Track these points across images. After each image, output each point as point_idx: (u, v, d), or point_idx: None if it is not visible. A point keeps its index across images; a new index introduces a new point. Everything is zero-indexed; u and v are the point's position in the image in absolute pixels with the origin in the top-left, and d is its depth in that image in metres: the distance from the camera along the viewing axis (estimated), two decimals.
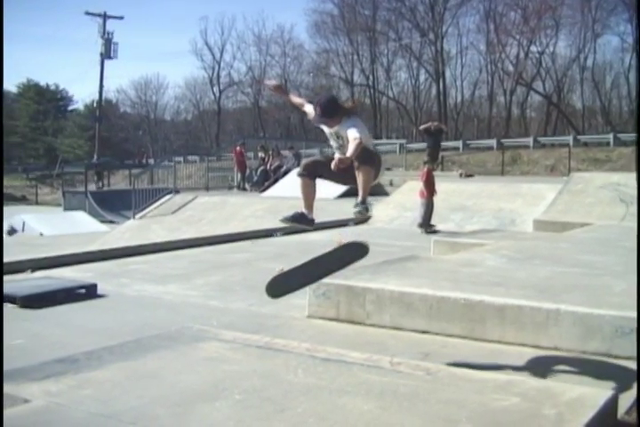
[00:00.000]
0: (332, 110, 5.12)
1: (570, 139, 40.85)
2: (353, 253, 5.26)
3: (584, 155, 35.50)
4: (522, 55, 57.92)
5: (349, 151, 4.87)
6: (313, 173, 5.24)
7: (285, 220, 5.23)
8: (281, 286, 5.18)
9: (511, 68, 59.09)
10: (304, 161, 5.38)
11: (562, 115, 57.86)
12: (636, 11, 38.61)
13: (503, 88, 61.29)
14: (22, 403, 3.97)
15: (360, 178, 5.09)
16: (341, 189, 19.00)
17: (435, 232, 13.67)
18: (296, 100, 5.75)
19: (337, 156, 4.98)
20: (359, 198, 5.19)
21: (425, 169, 14.89)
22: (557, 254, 8.54)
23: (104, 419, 3.70)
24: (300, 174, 5.27)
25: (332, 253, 5.27)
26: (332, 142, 5.33)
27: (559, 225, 12.91)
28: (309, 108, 5.42)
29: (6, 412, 3.91)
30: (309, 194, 5.31)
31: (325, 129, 5.32)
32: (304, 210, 5.29)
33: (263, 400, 3.97)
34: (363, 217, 5.37)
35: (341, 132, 5.15)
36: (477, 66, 63.08)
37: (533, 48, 57.46)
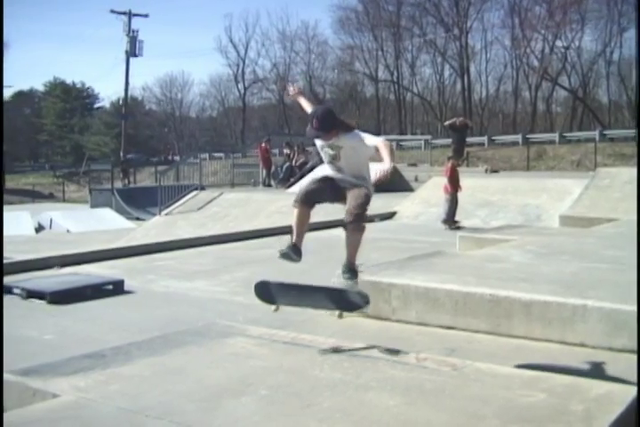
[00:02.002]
0: (330, 124, 4.91)
1: (596, 134, 40.49)
2: (352, 301, 4.96)
3: (610, 150, 35.17)
4: (547, 50, 57.61)
5: (388, 160, 4.73)
6: (311, 201, 5.00)
7: (284, 255, 4.98)
8: (266, 293, 5.10)
9: (536, 63, 58.76)
10: (300, 190, 5.05)
11: (588, 109, 57.40)
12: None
13: (528, 83, 60.95)
14: (51, 398, 4.02)
15: (349, 240, 4.98)
16: None
17: (459, 228, 13.61)
18: (305, 106, 5.44)
19: (382, 167, 4.81)
20: (346, 263, 5.04)
21: (449, 165, 14.81)
22: (584, 250, 8.48)
23: (132, 414, 3.73)
24: (298, 203, 4.97)
25: (332, 293, 5.06)
26: (324, 155, 5.13)
27: (585, 220, 12.81)
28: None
29: (36, 406, 3.96)
30: (305, 223, 5.05)
31: (319, 142, 5.14)
32: (295, 241, 5.02)
33: (289, 396, 3.98)
34: (353, 288, 5.03)
35: (342, 144, 4.95)
36: (502, 61, 62.87)
37: (559, 43, 57.18)
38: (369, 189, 5.00)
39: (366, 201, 4.89)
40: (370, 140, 4.89)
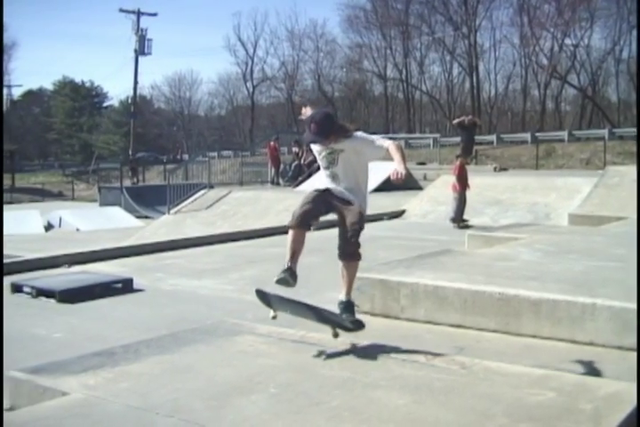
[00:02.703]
0: (328, 128, 4.80)
1: (605, 132, 40.42)
2: (345, 326, 4.90)
3: (620, 148, 35.09)
4: (556, 48, 57.41)
5: (400, 162, 4.66)
6: (306, 223, 4.85)
7: (280, 281, 4.77)
8: (265, 300, 5.04)
9: (545, 62, 58.58)
10: (295, 212, 4.84)
11: (597, 108, 57.23)
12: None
13: (537, 81, 60.81)
14: (61, 396, 4.03)
15: (345, 274, 4.93)
16: (375, 183, 18.99)
17: (467, 227, 13.57)
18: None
19: (395, 169, 4.63)
20: (344, 297, 4.96)
21: (458, 163, 14.78)
22: (593, 248, 8.46)
23: (141, 412, 3.74)
24: (293, 226, 4.82)
25: (326, 315, 4.97)
26: (321, 161, 5.03)
27: (594, 219, 12.77)
28: None
29: (46, 405, 3.97)
30: (300, 246, 4.86)
31: (316, 147, 5.05)
32: (291, 264, 4.82)
33: (298, 394, 3.99)
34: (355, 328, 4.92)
35: (343, 147, 4.85)
36: (511, 59, 62.73)
37: (568, 41, 56.99)
38: (363, 206, 4.93)
39: (362, 226, 4.86)
40: (381, 141, 4.84)
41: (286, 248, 4.86)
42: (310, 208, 4.84)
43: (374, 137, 4.93)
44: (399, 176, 4.59)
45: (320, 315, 4.96)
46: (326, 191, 4.94)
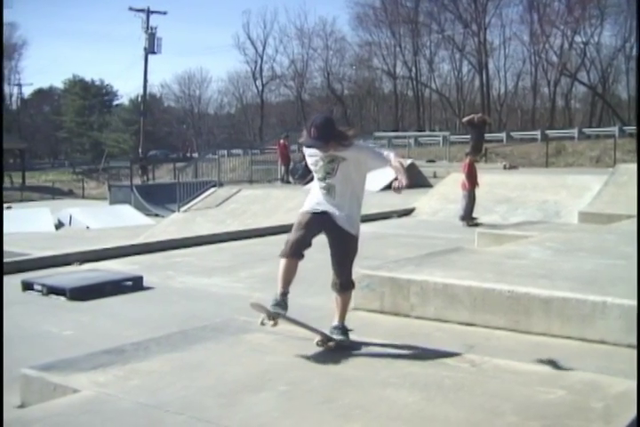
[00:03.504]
0: (329, 134, 4.63)
1: (615, 130, 40.18)
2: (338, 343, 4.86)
3: (630, 146, 34.86)
4: (566, 45, 57.34)
5: (404, 172, 4.58)
6: (300, 253, 4.65)
7: (274, 315, 4.63)
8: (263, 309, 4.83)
9: (555, 59, 58.45)
10: (289, 241, 4.67)
11: (607, 105, 57.05)
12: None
13: (547, 79, 60.64)
14: (71, 393, 4.05)
15: (340, 302, 4.88)
16: (384, 181, 18.97)
17: (476, 225, 13.53)
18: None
19: (399, 178, 4.52)
20: (338, 324, 4.89)
21: (467, 161, 14.74)
22: (603, 247, 8.44)
23: (151, 409, 3.76)
24: (286, 256, 4.66)
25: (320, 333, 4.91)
26: (317, 171, 4.82)
27: (605, 217, 12.73)
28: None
29: (57, 402, 3.99)
30: (293, 275, 4.70)
31: (313, 156, 4.85)
32: (282, 297, 4.68)
33: (308, 392, 4.00)
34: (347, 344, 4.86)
35: (345, 155, 4.69)
36: (521, 57, 62.59)
37: (578, 38, 56.86)
38: (358, 231, 4.83)
39: (356, 254, 4.81)
40: (386, 153, 4.76)
41: (278, 277, 4.70)
42: (304, 235, 4.66)
43: (380, 150, 4.83)
44: (401, 185, 4.48)
45: (314, 329, 4.90)
46: (324, 215, 4.76)
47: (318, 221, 4.73)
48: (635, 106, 57.41)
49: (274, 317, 4.62)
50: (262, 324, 4.69)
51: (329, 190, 4.77)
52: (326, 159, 4.75)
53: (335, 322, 4.92)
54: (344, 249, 4.80)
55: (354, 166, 4.73)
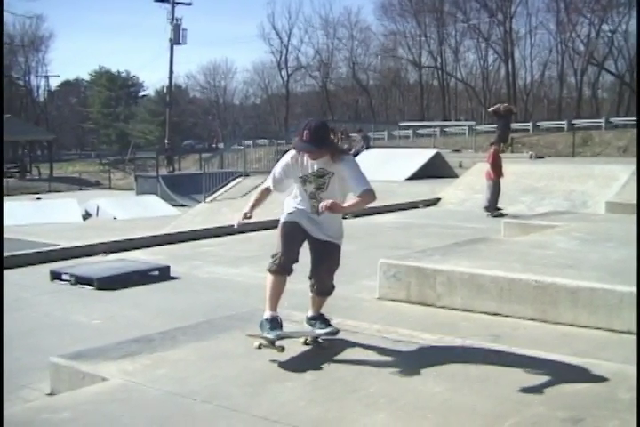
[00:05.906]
0: (322, 139, 4.36)
1: None
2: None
3: None
4: (593, 34, 56.70)
5: (349, 205, 4.40)
6: (289, 268, 4.50)
7: (271, 342, 4.42)
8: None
9: (582, 48, 57.86)
10: (277, 256, 4.50)
11: (635, 94, 56.39)
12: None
13: (574, 68, 60.06)
14: (100, 381, 4.09)
15: (319, 301, 4.76)
16: (410, 171, 18.92)
17: (502, 215, 13.43)
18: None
19: (323, 204, 4.22)
20: (314, 315, 4.76)
21: (492, 151, 14.65)
22: (630, 237, 8.35)
23: (179, 398, 3.79)
24: (275, 272, 4.49)
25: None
26: (307, 186, 4.59)
27: (632, 207, 12.58)
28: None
29: (85, 390, 4.03)
30: (282, 291, 4.55)
31: (300, 167, 4.61)
32: (273, 313, 4.51)
33: (334, 381, 4.01)
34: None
35: (335, 170, 4.45)
36: (547, 46, 62.00)
37: (605, 27, 56.13)
38: (341, 240, 4.68)
39: (338, 264, 4.66)
40: (367, 183, 4.38)
41: (266, 295, 4.56)
42: (293, 249, 4.50)
43: (364, 181, 4.39)
44: (324, 208, 4.19)
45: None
46: (308, 226, 4.61)
47: (302, 231, 4.59)
48: None
49: (276, 341, 4.44)
50: (259, 348, 4.51)
51: (313, 206, 4.56)
52: (317, 173, 4.52)
53: (310, 313, 4.80)
54: (331, 259, 4.64)
55: (338, 183, 4.50)
